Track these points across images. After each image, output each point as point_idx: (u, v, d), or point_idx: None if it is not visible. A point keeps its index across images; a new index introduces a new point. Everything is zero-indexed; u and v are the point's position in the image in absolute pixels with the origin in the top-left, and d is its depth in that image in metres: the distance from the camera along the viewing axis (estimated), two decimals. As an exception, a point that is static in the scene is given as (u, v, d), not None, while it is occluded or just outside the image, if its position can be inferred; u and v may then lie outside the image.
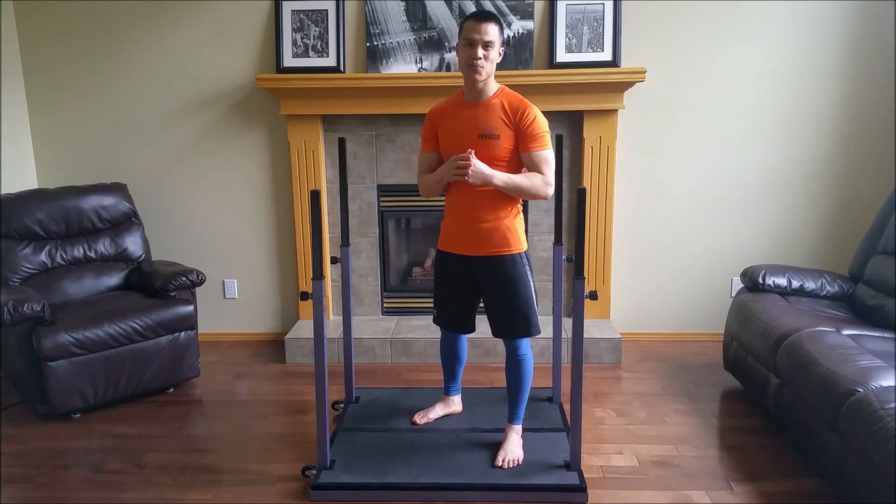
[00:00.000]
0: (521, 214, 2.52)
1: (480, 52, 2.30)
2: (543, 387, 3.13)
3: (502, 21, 2.55)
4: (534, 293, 2.50)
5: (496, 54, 2.36)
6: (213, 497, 2.41)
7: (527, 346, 2.55)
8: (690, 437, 2.78)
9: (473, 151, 2.33)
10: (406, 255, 4.07)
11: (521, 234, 2.49)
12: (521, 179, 2.37)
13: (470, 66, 2.33)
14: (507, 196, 2.42)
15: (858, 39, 3.52)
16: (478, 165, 2.31)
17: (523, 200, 2.52)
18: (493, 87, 2.41)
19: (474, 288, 2.56)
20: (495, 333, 2.56)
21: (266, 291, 3.95)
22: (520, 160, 2.42)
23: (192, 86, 3.71)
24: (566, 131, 3.62)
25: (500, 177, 2.34)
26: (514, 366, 2.55)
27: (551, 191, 2.40)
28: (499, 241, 2.44)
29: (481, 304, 2.60)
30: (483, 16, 2.33)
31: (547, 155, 2.38)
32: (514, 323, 2.48)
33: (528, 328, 2.49)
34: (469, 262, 2.50)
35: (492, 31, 2.32)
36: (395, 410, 2.94)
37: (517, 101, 2.39)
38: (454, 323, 2.67)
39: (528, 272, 2.49)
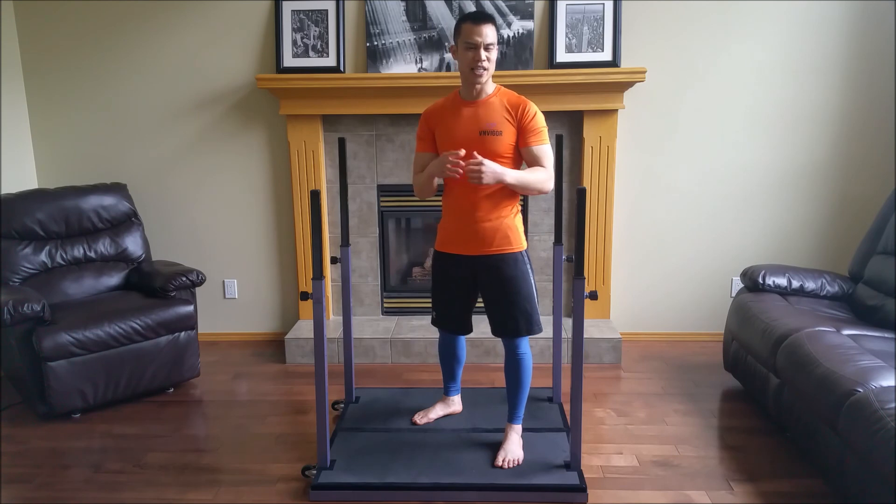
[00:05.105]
0: (521, 213, 2.53)
1: (483, 54, 2.33)
2: (543, 387, 3.13)
3: (496, 20, 2.56)
4: (535, 291, 2.51)
5: (496, 54, 2.38)
6: (213, 497, 2.41)
7: (526, 345, 2.55)
8: (690, 437, 2.78)
9: (476, 151, 2.31)
10: (406, 255, 4.07)
11: (521, 233, 2.50)
12: (529, 175, 2.38)
13: (474, 70, 2.34)
14: (508, 195, 2.43)
15: (858, 39, 3.52)
16: (490, 165, 2.29)
17: (522, 199, 2.51)
18: (490, 85, 2.44)
19: (473, 289, 2.56)
20: (496, 333, 2.55)
21: (266, 291, 3.95)
22: (520, 155, 2.43)
23: (192, 86, 3.71)
24: (566, 131, 3.62)
25: (512, 174, 2.34)
26: (514, 365, 2.55)
27: (553, 184, 2.45)
28: (500, 240, 2.44)
29: (479, 304, 2.60)
30: (481, 17, 2.34)
31: (547, 149, 2.42)
32: (517, 321, 2.48)
33: (531, 326, 2.49)
34: (470, 262, 2.50)
35: (491, 34, 2.34)
36: (395, 410, 2.94)
37: (515, 98, 2.42)
38: (455, 324, 2.67)
39: (530, 270, 2.50)
